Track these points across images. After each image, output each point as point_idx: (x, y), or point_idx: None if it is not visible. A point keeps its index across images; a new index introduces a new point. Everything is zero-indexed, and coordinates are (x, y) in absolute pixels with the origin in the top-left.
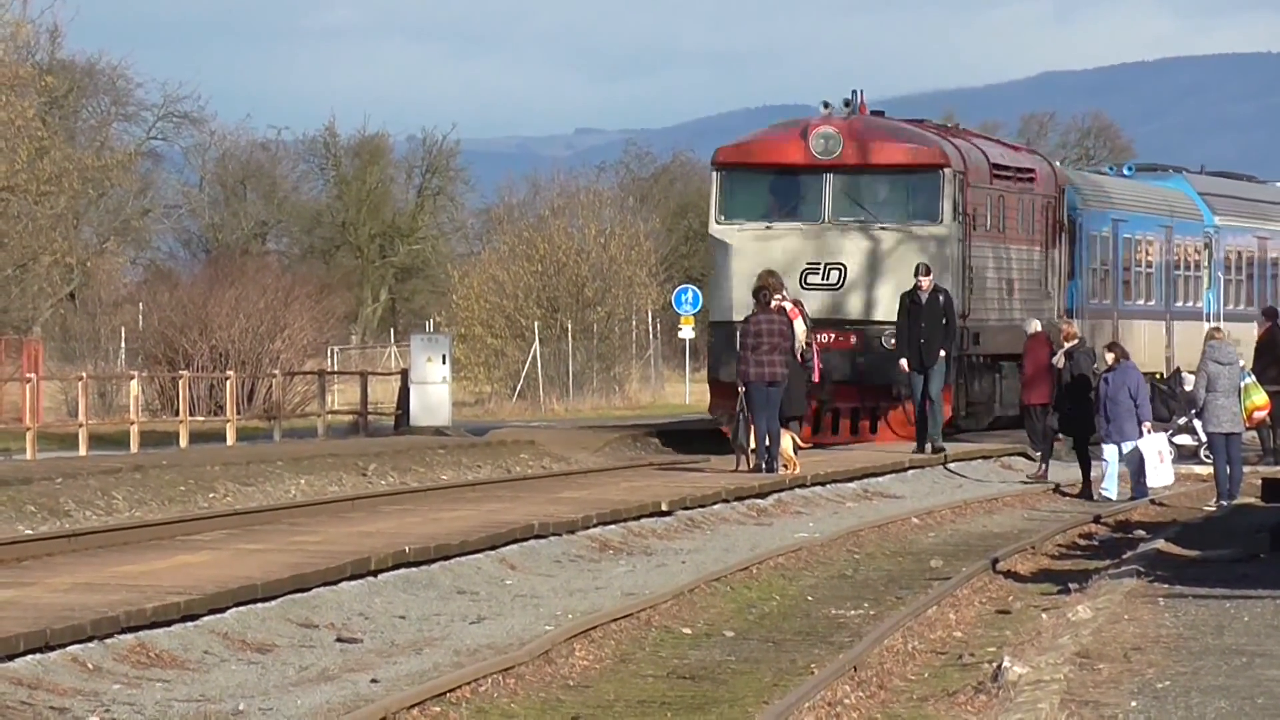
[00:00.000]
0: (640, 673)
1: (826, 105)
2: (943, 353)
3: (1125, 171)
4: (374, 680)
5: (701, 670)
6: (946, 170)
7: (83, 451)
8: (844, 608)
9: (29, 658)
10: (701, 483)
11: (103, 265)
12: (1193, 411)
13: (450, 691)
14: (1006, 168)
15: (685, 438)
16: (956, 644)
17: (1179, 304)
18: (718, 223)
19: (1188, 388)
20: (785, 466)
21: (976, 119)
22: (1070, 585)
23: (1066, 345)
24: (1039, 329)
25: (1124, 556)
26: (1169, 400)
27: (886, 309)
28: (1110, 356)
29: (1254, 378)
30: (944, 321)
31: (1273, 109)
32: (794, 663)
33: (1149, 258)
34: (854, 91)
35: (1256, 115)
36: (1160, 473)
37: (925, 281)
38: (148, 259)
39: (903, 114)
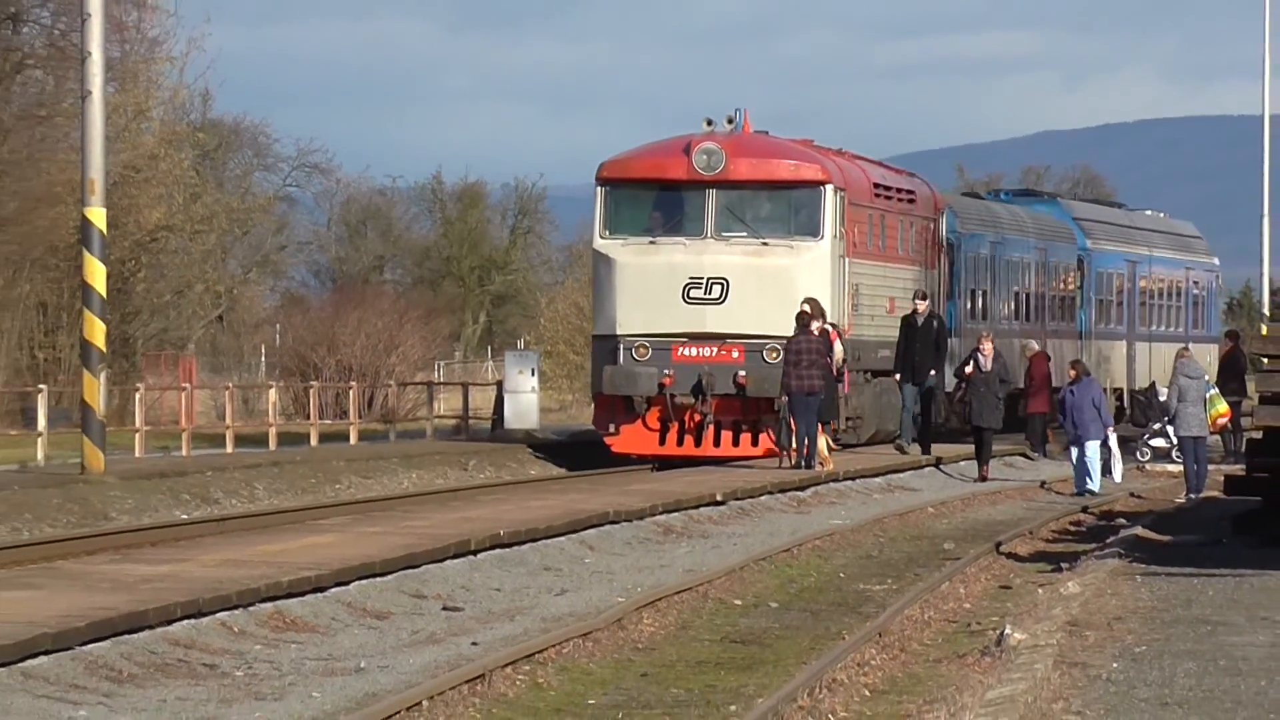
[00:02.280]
0: (698, 637)
1: (710, 122)
2: (933, 371)
3: (1003, 197)
4: (474, 643)
5: (750, 635)
6: (828, 187)
7: (229, 449)
8: (870, 583)
9: (185, 622)
10: (750, 478)
11: (246, 293)
12: (1165, 418)
13: (538, 653)
14: (888, 188)
15: None
16: (966, 614)
17: (1053, 323)
18: (602, 237)
19: (1162, 398)
20: (821, 464)
21: (982, 171)
22: (1062, 565)
23: (981, 355)
24: (1037, 348)
25: (1107, 541)
26: (1146, 409)
27: (768, 323)
28: (1073, 373)
29: (1218, 390)
30: (935, 342)
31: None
32: (828, 629)
33: (1025, 279)
34: (737, 109)
35: (1221, 167)
36: (1117, 469)
37: (921, 305)
38: (283, 287)
39: (913, 168)
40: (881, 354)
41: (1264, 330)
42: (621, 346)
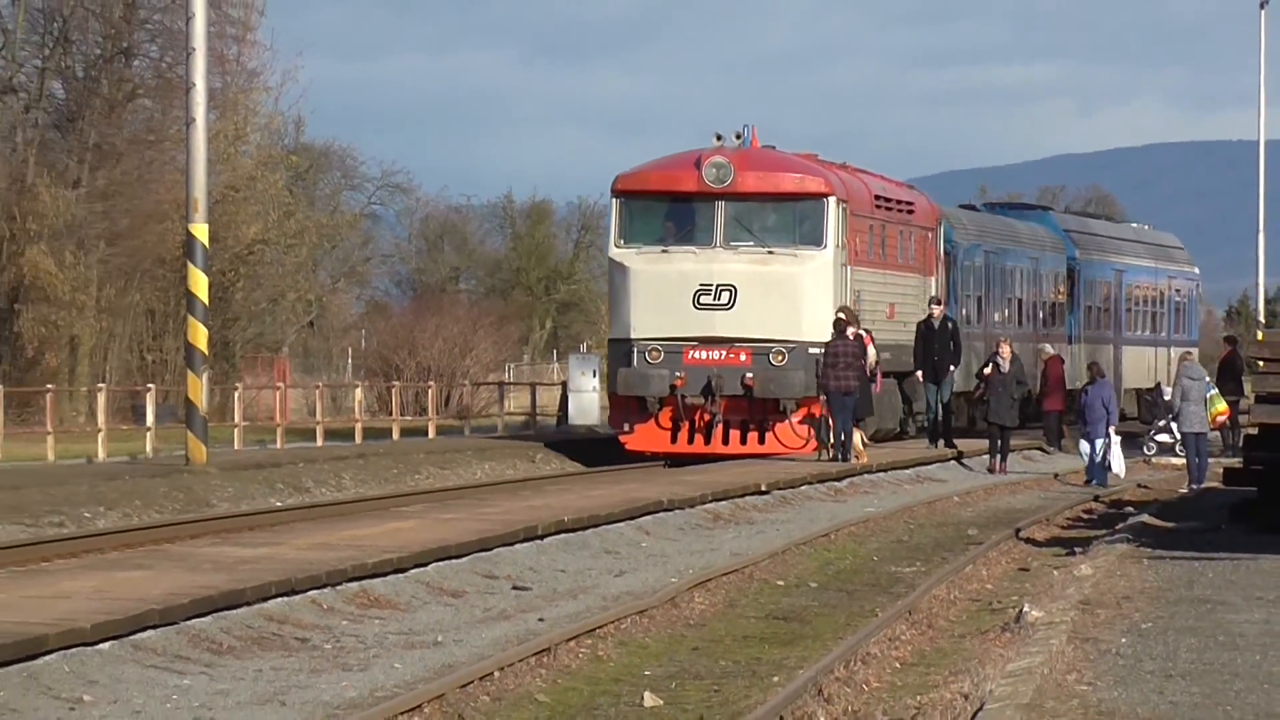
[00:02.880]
0: (744, 615)
1: (719, 137)
2: (952, 368)
3: (998, 210)
4: (540, 619)
5: (791, 613)
6: (830, 199)
7: (319, 443)
8: (901, 565)
9: (279, 600)
10: (792, 470)
11: (334, 301)
12: (1170, 416)
13: (599, 628)
14: (888, 200)
15: None
16: (988, 594)
17: (1045, 328)
18: (617, 246)
19: (1166, 397)
20: (856, 457)
21: (1003, 191)
22: (1075, 549)
23: (1000, 358)
24: (1053, 351)
25: (1117, 527)
26: (1152, 407)
27: (774, 327)
28: (1092, 373)
29: (1217, 390)
30: (951, 343)
31: (1233, 182)
32: (862, 607)
33: (1018, 286)
34: (745, 125)
35: (1220, 188)
36: (1117, 464)
37: (937, 310)
38: (368, 296)
39: (942, 188)
40: (882, 356)
41: (1260, 336)
42: (635, 349)
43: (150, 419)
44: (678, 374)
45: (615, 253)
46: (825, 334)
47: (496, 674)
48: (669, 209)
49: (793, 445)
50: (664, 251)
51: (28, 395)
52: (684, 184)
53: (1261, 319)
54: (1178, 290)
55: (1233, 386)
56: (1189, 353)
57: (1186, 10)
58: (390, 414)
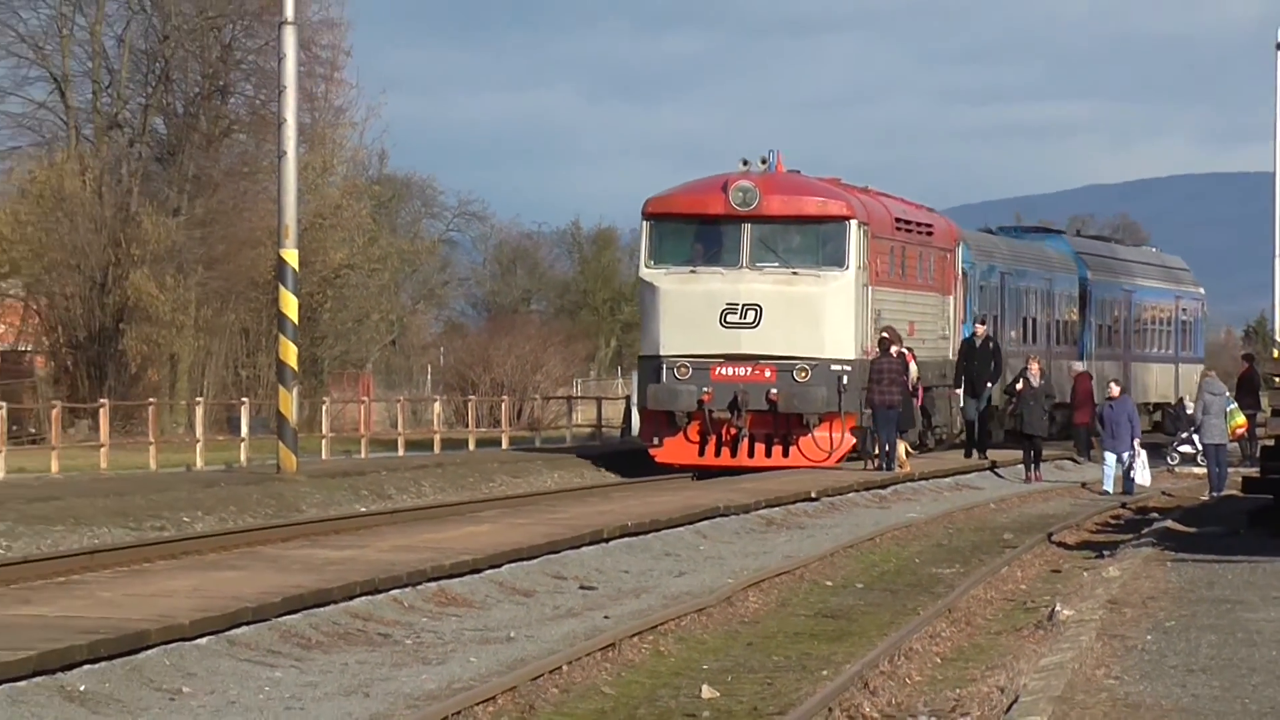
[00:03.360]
0: (795, 612)
1: (745, 162)
2: (990, 385)
3: (1014, 232)
4: (606, 616)
5: (839, 611)
6: (852, 222)
7: (401, 453)
8: (941, 567)
9: (363, 598)
10: (839, 478)
11: (414, 321)
12: (1192, 428)
13: (660, 625)
14: (908, 222)
15: None
16: (1022, 594)
17: (1058, 345)
18: (647, 267)
19: (1189, 412)
20: (899, 466)
21: (1036, 219)
22: (1104, 552)
23: (1030, 374)
24: (1083, 368)
25: (1142, 532)
26: (1176, 420)
27: (797, 345)
28: (1115, 389)
29: (1236, 404)
30: (992, 362)
31: (1249, 212)
32: (905, 606)
33: (1032, 305)
34: (770, 150)
35: (1240, 216)
36: (1143, 475)
37: (980, 329)
38: (446, 316)
39: (980, 216)
40: None
41: (1276, 354)
42: (665, 366)
43: (244, 430)
44: (705, 389)
45: (645, 273)
46: (848, 351)
47: (565, 668)
48: (697, 231)
49: (815, 458)
50: (692, 272)
51: (132, 408)
52: (711, 207)
53: (1278, 338)
54: (1184, 309)
55: (1250, 401)
56: (1210, 370)
57: (1210, 52)
58: (466, 426)
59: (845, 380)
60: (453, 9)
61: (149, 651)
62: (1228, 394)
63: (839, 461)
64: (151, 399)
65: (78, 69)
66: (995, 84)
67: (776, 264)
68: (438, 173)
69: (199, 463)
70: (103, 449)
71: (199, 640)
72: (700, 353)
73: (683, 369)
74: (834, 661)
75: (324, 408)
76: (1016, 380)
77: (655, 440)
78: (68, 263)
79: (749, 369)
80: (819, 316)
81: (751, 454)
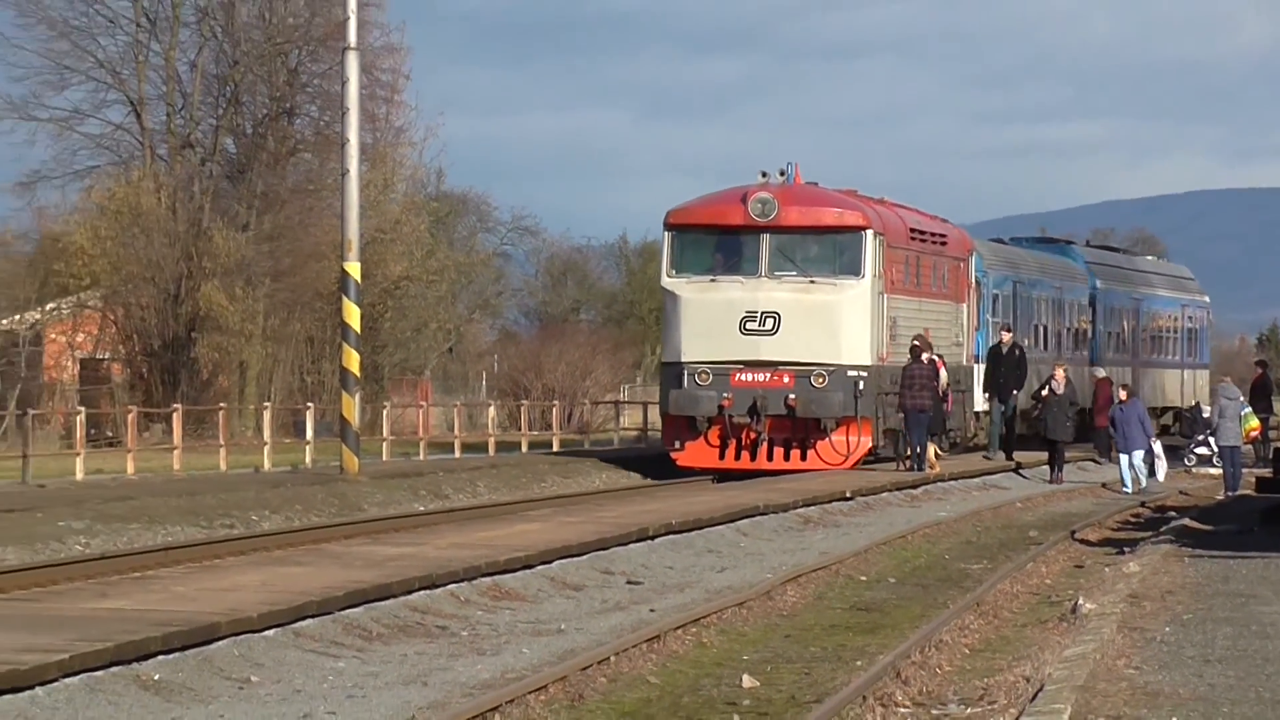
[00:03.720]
0: (831, 606)
1: (764, 174)
2: (1017, 390)
3: (1024, 243)
4: (651, 610)
5: (873, 604)
6: (868, 232)
7: (457, 455)
8: (970, 563)
9: (421, 593)
10: (873, 479)
11: (470, 330)
12: (1208, 431)
13: (703, 618)
14: (922, 232)
15: None
16: (1047, 588)
17: (1068, 352)
18: (669, 276)
19: (1205, 415)
20: (930, 468)
21: (1059, 232)
22: (1125, 549)
23: (1055, 381)
24: (1104, 374)
25: (1161, 530)
26: (1192, 424)
27: (815, 352)
28: (1124, 394)
29: (1250, 409)
30: (1018, 368)
31: (1264, 224)
32: (936, 600)
33: (1044, 313)
34: (789, 163)
35: (1254, 229)
36: (1160, 472)
37: (1006, 337)
38: (500, 325)
39: (1005, 229)
40: None
41: None
42: (686, 372)
43: (309, 433)
44: (725, 395)
45: (667, 282)
46: (863, 358)
47: (613, 658)
48: (717, 241)
49: (833, 462)
50: (712, 281)
51: (203, 413)
52: (731, 218)
53: None
54: (1190, 317)
55: (1264, 405)
56: (1225, 376)
57: (1225, 75)
58: (519, 429)
59: (861, 385)
60: (507, 35)
61: (219, 643)
62: (1242, 399)
63: (855, 465)
64: (222, 404)
65: (153, 92)
66: (1020, 105)
67: (794, 273)
68: (492, 189)
69: (266, 464)
70: (176, 451)
71: (266, 632)
72: (720, 359)
73: (703, 375)
74: (868, 652)
75: (384, 412)
76: (1043, 387)
77: (677, 444)
78: (143, 275)
79: (768, 375)
80: (836, 324)
81: (770, 458)
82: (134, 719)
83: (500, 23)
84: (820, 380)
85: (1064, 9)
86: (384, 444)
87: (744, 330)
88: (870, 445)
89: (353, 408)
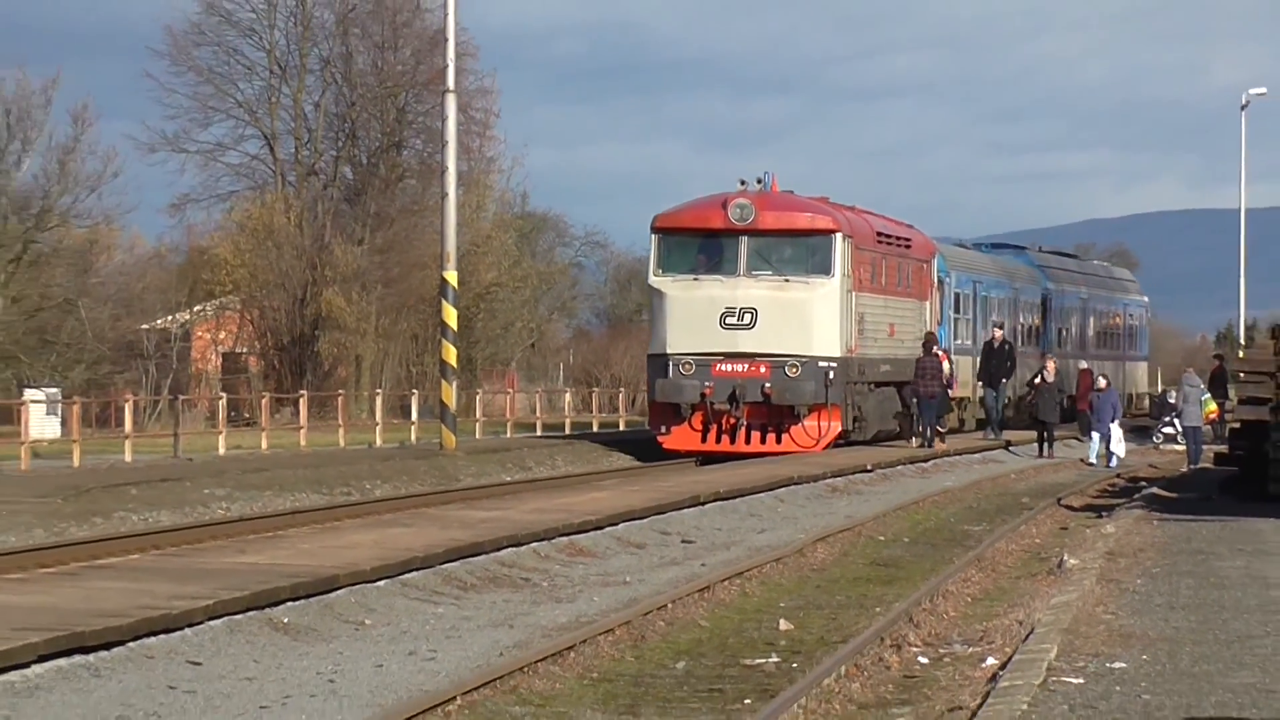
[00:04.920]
0: (854, 561)
1: (743, 182)
2: (1005, 380)
3: (984, 248)
4: (702, 564)
5: (890, 560)
6: (837, 235)
7: (538, 433)
8: (971, 525)
9: (508, 550)
10: (889, 454)
11: (549, 328)
12: (1174, 414)
13: (746, 571)
14: (888, 236)
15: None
16: (1036, 547)
17: (1023, 346)
18: (655, 275)
19: (1171, 400)
20: (938, 444)
21: (1049, 245)
22: (1103, 513)
23: (1046, 372)
24: (1086, 366)
25: (1133, 497)
26: (1160, 408)
27: (789, 344)
28: (1104, 383)
29: (1209, 394)
30: (1008, 360)
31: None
32: (943, 556)
33: (1001, 311)
34: (766, 172)
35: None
36: (1119, 449)
37: (998, 333)
38: (574, 325)
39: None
40: (883, 369)
41: (1241, 354)
42: (671, 363)
43: (414, 415)
44: (707, 384)
45: (654, 280)
46: (833, 350)
47: (669, 605)
48: (700, 243)
49: (805, 445)
50: (695, 279)
51: (325, 398)
52: (713, 222)
53: (1242, 342)
54: (1131, 315)
55: (1221, 392)
56: (1189, 367)
57: (1198, 112)
58: (591, 412)
59: (831, 375)
60: (585, 79)
61: (338, 591)
62: (1203, 386)
63: (826, 447)
64: (340, 390)
65: (283, 129)
66: (1022, 138)
67: (770, 272)
68: (569, 210)
69: (378, 441)
70: (302, 430)
71: (378, 583)
72: (703, 351)
73: (687, 366)
74: (885, 600)
75: (477, 397)
76: (1035, 376)
77: (663, 429)
78: (275, 282)
79: (746, 366)
80: (808, 319)
81: (749, 441)
82: (267, 655)
83: (579, 68)
84: (794, 370)
85: (1062, 56)
86: (477, 424)
87: (724, 325)
88: (840, 429)
89: (450, 394)
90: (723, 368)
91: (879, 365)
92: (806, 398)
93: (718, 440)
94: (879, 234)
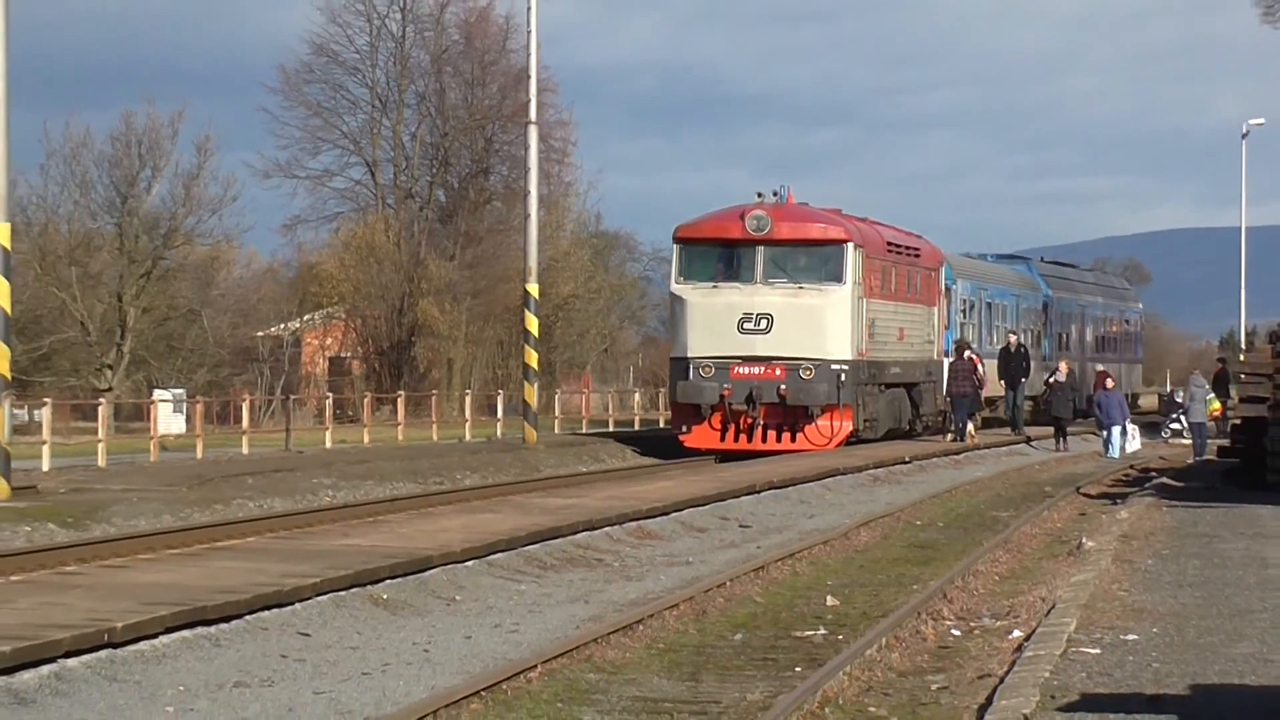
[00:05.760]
0: (894, 543)
1: (760, 195)
2: (1023, 380)
3: (989, 258)
4: (757, 546)
5: (926, 543)
6: (849, 244)
7: (610, 429)
8: (1000, 511)
9: (584, 533)
10: (926, 448)
11: (621, 335)
12: (1181, 411)
13: (797, 552)
14: (898, 245)
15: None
16: (1058, 531)
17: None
18: (677, 283)
19: (1178, 399)
20: (970, 439)
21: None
22: (1117, 500)
23: (1060, 372)
24: (1101, 369)
25: (1145, 486)
26: (1170, 406)
27: (803, 348)
28: (1110, 384)
29: (1213, 394)
30: (1024, 363)
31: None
32: (974, 539)
33: (1004, 316)
34: (781, 185)
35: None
36: (1133, 444)
37: (1013, 338)
38: (643, 332)
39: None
40: (893, 371)
41: (1242, 358)
42: (691, 366)
43: (499, 413)
44: (725, 386)
45: (676, 288)
46: (845, 353)
47: (728, 583)
48: (719, 252)
49: (818, 443)
50: (714, 287)
51: (420, 398)
52: (731, 232)
53: (1244, 346)
54: (1126, 320)
55: (1223, 391)
56: (1195, 370)
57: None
58: (658, 410)
59: (843, 377)
60: (656, 112)
61: (431, 570)
62: (1207, 386)
63: (838, 446)
64: (434, 391)
65: (383, 157)
66: (1046, 165)
67: (785, 280)
68: (639, 229)
69: (467, 436)
70: (399, 426)
71: (467, 563)
72: (721, 355)
73: (707, 368)
74: (922, 579)
75: (556, 397)
76: (1050, 376)
77: (684, 428)
78: (376, 294)
79: (762, 368)
80: (821, 324)
81: (765, 440)
82: (368, 628)
83: (650, 103)
84: (808, 373)
85: (1082, 92)
86: (555, 421)
87: (741, 330)
88: (851, 429)
89: (532, 393)
90: (740, 370)
91: (889, 368)
92: (820, 399)
93: (735, 439)
94: (889, 244)
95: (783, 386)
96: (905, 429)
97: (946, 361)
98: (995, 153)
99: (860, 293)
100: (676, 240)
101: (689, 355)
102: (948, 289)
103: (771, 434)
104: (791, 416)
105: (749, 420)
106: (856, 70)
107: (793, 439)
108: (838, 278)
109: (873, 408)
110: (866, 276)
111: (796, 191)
